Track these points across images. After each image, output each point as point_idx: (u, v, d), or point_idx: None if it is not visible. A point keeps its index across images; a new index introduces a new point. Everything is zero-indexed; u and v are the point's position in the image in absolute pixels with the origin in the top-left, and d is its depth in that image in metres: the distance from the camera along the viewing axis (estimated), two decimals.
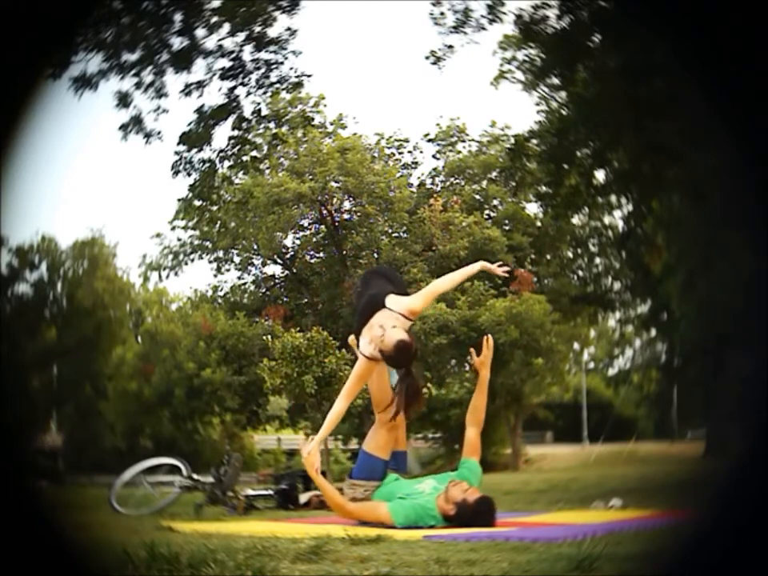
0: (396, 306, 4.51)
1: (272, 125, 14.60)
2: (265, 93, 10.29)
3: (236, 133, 10.48)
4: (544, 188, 12.43)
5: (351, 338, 5.01)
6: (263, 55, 9.89)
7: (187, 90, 9.73)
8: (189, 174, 10.61)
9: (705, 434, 16.98)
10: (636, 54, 8.68)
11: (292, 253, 22.54)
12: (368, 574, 2.40)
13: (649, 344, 22.83)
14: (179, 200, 20.65)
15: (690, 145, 8.91)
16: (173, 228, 23.00)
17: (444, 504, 4.31)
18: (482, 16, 9.94)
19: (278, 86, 10.33)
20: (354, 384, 4.62)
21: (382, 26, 45.54)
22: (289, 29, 9.82)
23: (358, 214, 21.32)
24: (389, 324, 4.41)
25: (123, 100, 9.53)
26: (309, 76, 10.44)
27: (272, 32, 9.72)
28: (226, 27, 9.44)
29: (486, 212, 22.25)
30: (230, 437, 22.85)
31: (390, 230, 21.47)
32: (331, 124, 22.25)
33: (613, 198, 13.65)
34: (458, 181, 22.56)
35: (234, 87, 9.99)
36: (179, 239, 23.12)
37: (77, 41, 8.17)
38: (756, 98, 2.70)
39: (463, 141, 22.85)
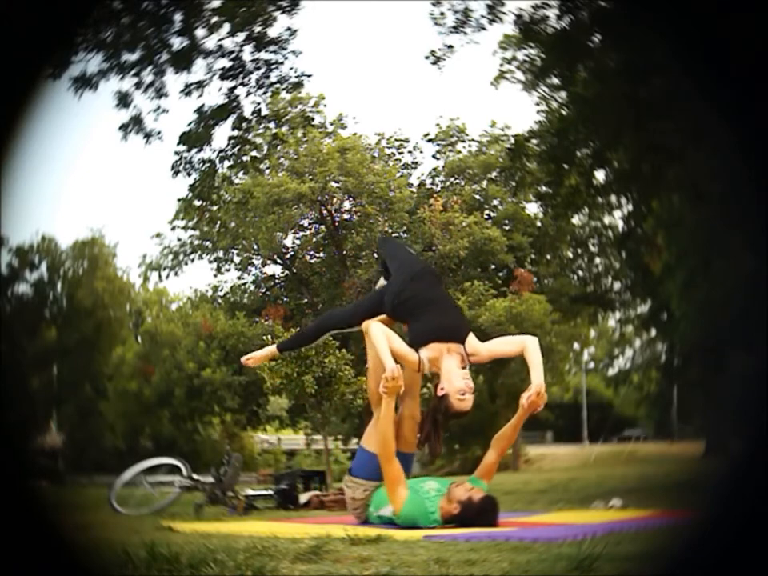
0: (471, 350, 4.54)
1: (272, 125, 14.60)
2: (265, 93, 10.28)
3: (236, 133, 10.47)
4: (544, 188, 12.41)
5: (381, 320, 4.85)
6: (263, 55, 9.89)
7: (187, 90, 9.72)
8: (189, 174, 10.60)
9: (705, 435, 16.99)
10: (636, 53, 8.68)
11: (292, 253, 22.55)
12: (368, 574, 2.40)
13: (649, 344, 22.83)
14: (179, 200, 20.68)
15: (690, 145, 8.91)
16: (173, 228, 23.04)
17: (447, 504, 4.31)
18: (482, 16, 9.94)
19: (277, 85, 10.32)
20: (398, 352, 4.46)
21: (382, 26, 45.62)
22: (289, 29, 9.82)
23: (358, 213, 21.33)
24: (462, 375, 4.42)
25: (123, 100, 9.53)
26: (309, 76, 10.44)
27: (272, 32, 9.72)
28: (226, 27, 9.43)
29: (486, 212, 22.26)
30: (230, 437, 22.86)
31: (390, 230, 21.46)
32: (331, 124, 22.27)
33: (613, 198, 13.64)
34: (458, 181, 22.57)
35: (234, 87, 9.99)
36: (179, 239, 23.17)
37: (77, 41, 8.16)
38: (756, 98, 2.70)
39: (463, 141, 22.87)
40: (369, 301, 5.29)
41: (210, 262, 23.11)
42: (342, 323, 5.20)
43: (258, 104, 10.36)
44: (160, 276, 23.97)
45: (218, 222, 21.92)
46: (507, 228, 21.67)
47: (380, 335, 4.45)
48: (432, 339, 4.51)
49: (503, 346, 4.72)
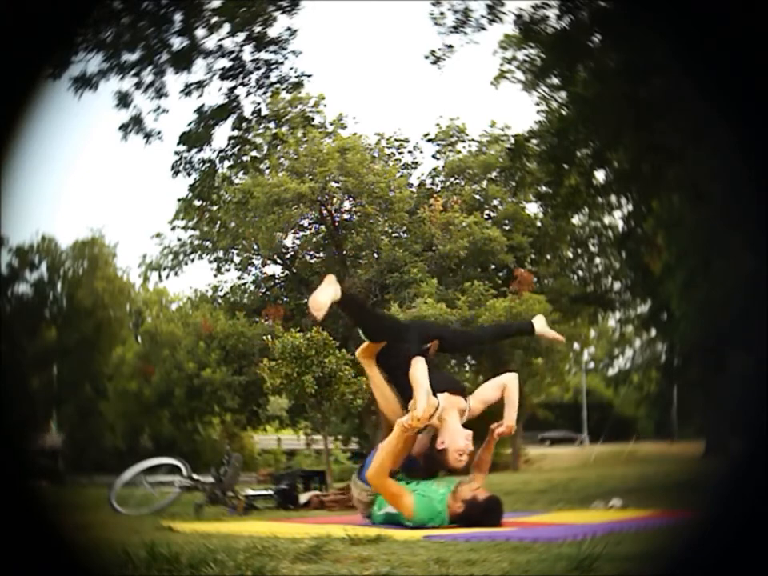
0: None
1: (272, 125, 14.58)
2: (265, 93, 10.27)
3: (236, 133, 10.46)
4: (544, 188, 12.40)
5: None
6: (263, 55, 9.87)
7: (187, 90, 9.70)
8: (189, 174, 10.58)
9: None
10: (636, 53, 8.67)
11: (292, 253, 22.55)
12: (368, 574, 2.40)
13: (649, 344, 22.83)
14: (179, 200, 20.68)
15: (690, 145, 8.91)
16: (173, 228, 23.04)
17: (453, 503, 4.35)
18: (482, 16, 9.92)
19: (277, 85, 10.31)
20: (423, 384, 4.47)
21: (382, 26, 45.64)
22: (289, 29, 9.80)
23: (358, 213, 21.33)
24: (466, 435, 4.58)
25: (123, 100, 9.51)
26: (309, 76, 10.42)
27: (272, 32, 9.70)
28: (226, 27, 9.42)
29: (486, 212, 22.25)
30: (230, 437, 22.85)
31: (389, 230, 21.47)
32: (331, 124, 22.27)
33: (613, 198, 13.63)
34: (458, 181, 22.56)
35: (234, 87, 9.97)
36: (179, 239, 23.16)
37: (77, 41, 8.16)
38: (756, 98, 2.70)
39: (463, 141, 22.86)
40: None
41: (210, 262, 23.13)
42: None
43: (258, 104, 10.35)
44: (160, 276, 23.98)
45: (218, 222, 21.92)
46: (507, 228, 21.66)
47: (424, 373, 4.44)
48: (447, 389, 4.61)
49: (490, 393, 4.97)
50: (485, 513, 4.26)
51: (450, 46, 10.36)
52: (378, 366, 4.91)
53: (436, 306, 17.97)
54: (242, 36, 9.58)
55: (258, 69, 9.94)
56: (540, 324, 5.49)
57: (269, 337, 11.37)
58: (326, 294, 4.54)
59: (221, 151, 10.54)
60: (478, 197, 22.37)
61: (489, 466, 4.98)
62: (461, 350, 15.24)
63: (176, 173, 10.50)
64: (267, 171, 20.77)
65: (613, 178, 11.68)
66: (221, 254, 22.81)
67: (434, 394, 4.49)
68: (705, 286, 13.17)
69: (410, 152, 22.62)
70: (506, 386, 4.96)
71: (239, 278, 23.26)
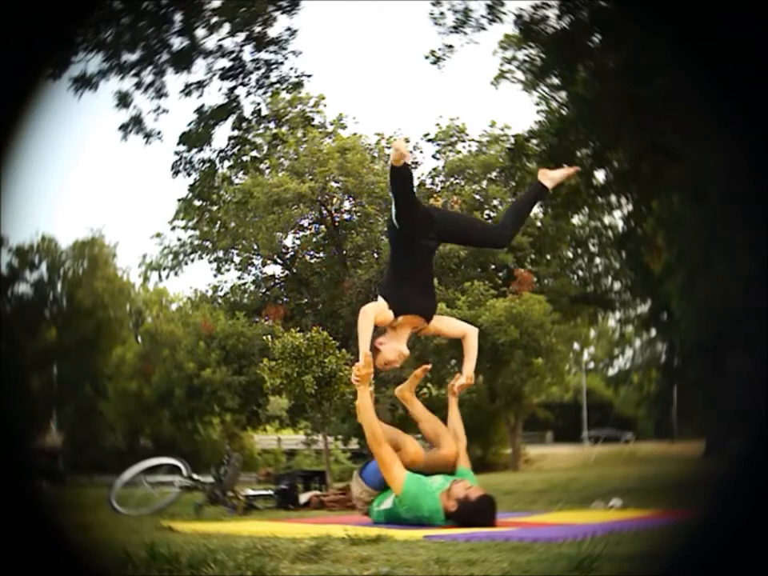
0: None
1: (272, 125, 14.60)
2: (265, 93, 10.28)
3: (236, 133, 10.47)
4: None
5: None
6: (263, 55, 9.88)
7: (187, 90, 9.72)
8: (189, 174, 10.59)
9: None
10: (636, 53, 8.68)
11: (292, 253, 22.55)
12: (368, 574, 2.40)
13: (649, 344, 22.83)
14: (179, 200, 20.65)
15: (690, 145, 8.91)
16: (173, 228, 23.02)
17: (446, 500, 4.36)
18: (482, 16, 9.93)
19: (278, 85, 10.32)
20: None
21: (382, 26, 45.67)
22: (289, 29, 9.82)
23: (358, 213, 21.32)
24: (400, 352, 4.67)
25: (123, 100, 9.52)
26: (309, 76, 10.44)
27: (272, 32, 9.72)
28: (226, 27, 9.43)
29: (486, 212, 22.24)
30: (230, 437, 22.84)
31: None
32: (331, 124, 22.27)
33: (613, 198, 13.62)
34: (457, 181, 22.56)
35: (234, 87, 9.99)
36: (179, 239, 23.15)
37: (77, 41, 8.17)
38: (756, 98, 2.70)
39: (463, 141, 22.86)
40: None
41: (210, 262, 23.11)
42: None
43: (258, 104, 10.37)
44: (160, 276, 23.97)
45: (218, 222, 21.91)
46: None
47: (366, 325, 4.45)
48: (416, 313, 4.68)
49: (447, 328, 4.99)
50: (476, 512, 4.26)
51: (450, 46, 10.37)
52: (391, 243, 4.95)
53: None
54: (242, 36, 9.60)
55: (258, 69, 9.95)
56: (549, 179, 5.18)
57: (269, 337, 11.36)
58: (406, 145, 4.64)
59: (221, 151, 10.55)
60: (477, 197, 22.36)
61: (462, 430, 4.93)
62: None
63: (176, 173, 10.51)
64: (267, 171, 20.77)
65: (613, 178, 11.68)
66: (221, 254, 22.81)
67: (399, 314, 4.55)
68: (705, 286, 13.18)
69: (410, 152, 22.60)
70: (466, 335, 4.87)
71: (239, 278, 23.27)
